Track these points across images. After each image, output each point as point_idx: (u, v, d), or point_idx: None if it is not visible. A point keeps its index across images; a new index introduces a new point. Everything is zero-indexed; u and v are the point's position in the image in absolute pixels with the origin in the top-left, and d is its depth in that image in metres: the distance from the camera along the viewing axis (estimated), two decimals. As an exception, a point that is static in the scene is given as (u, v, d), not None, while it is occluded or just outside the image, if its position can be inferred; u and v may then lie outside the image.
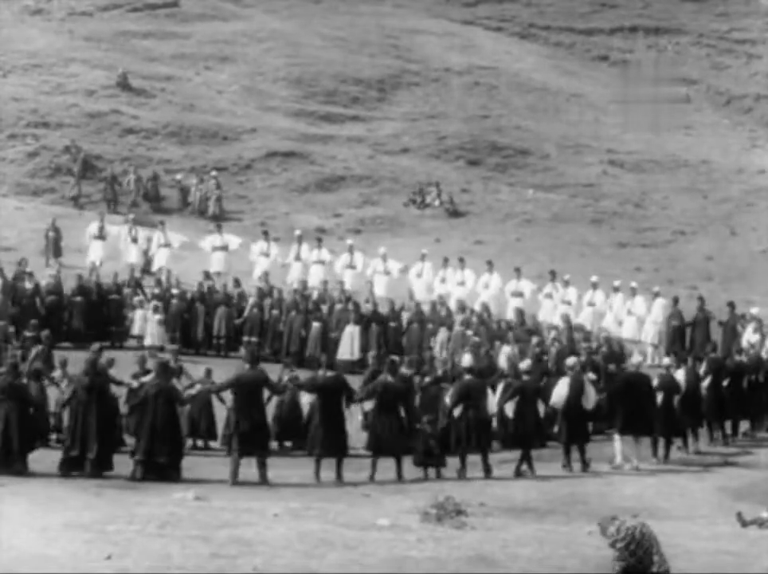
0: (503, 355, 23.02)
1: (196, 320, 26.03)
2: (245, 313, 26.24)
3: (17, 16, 49.89)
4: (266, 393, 18.41)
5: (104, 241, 29.18)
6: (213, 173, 39.03)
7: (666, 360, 21.13)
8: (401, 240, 34.85)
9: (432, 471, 18.24)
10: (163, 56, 48.06)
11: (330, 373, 18.38)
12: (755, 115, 53.01)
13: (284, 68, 48.67)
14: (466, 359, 19.25)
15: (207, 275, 27.31)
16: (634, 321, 27.35)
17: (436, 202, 40.71)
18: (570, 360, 19.65)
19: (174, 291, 26.20)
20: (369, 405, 18.33)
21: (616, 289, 28.02)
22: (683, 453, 19.87)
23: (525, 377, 19.11)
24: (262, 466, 17.15)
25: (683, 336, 26.88)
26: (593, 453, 19.22)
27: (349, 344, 25.27)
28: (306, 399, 19.33)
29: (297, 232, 30.62)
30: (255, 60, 48.99)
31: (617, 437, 19.26)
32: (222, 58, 48.72)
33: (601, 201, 42.82)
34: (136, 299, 26.02)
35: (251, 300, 26.39)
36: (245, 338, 25.95)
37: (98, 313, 25.78)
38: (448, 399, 18.75)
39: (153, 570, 11.41)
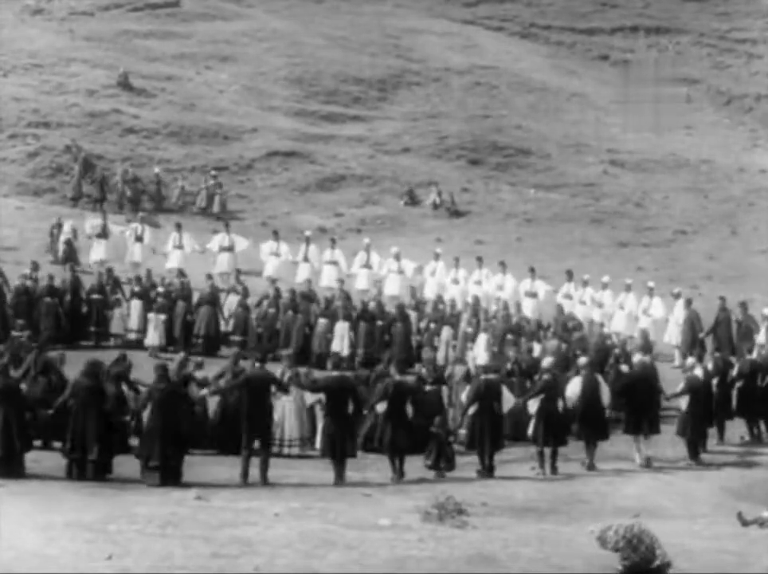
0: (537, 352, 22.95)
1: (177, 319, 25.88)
2: (231, 311, 26.17)
3: (18, 16, 49.90)
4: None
5: (106, 239, 29.11)
6: (213, 172, 39.12)
7: (690, 360, 21.09)
8: (402, 239, 34.81)
9: (441, 474, 18.18)
10: (164, 55, 48.09)
11: (335, 373, 18.28)
12: (756, 114, 53.00)
13: (285, 67, 48.70)
14: (481, 358, 19.28)
15: (182, 273, 27.16)
16: (650, 322, 27.06)
17: (437, 201, 40.70)
18: (582, 360, 19.72)
19: (160, 289, 26.08)
20: (381, 407, 18.30)
21: (628, 287, 27.81)
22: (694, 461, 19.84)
23: (546, 375, 19.09)
24: (264, 466, 17.13)
25: (701, 339, 26.70)
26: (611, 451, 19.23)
27: (339, 341, 25.34)
28: (310, 400, 19.22)
29: (307, 233, 30.60)
30: (256, 59, 49.02)
31: (631, 437, 19.33)
32: (223, 58, 48.75)
33: (601, 200, 42.82)
34: (114, 298, 25.85)
35: (236, 299, 26.29)
36: (231, 337, 25.88)
37: (75, 313, 25.59)
38: (464, 398, 18.78)
39: (154, 570, 11.41)
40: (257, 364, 17.95)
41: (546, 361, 19.60)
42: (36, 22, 49.53)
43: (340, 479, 17.34)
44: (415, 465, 18.21)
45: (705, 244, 39.06)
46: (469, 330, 25.24)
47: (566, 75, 54.32)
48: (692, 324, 26.62)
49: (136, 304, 25.67)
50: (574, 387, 19.02)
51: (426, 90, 49.83)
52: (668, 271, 35.41)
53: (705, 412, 20.21)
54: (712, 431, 21.01)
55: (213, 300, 26.09)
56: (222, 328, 26.10)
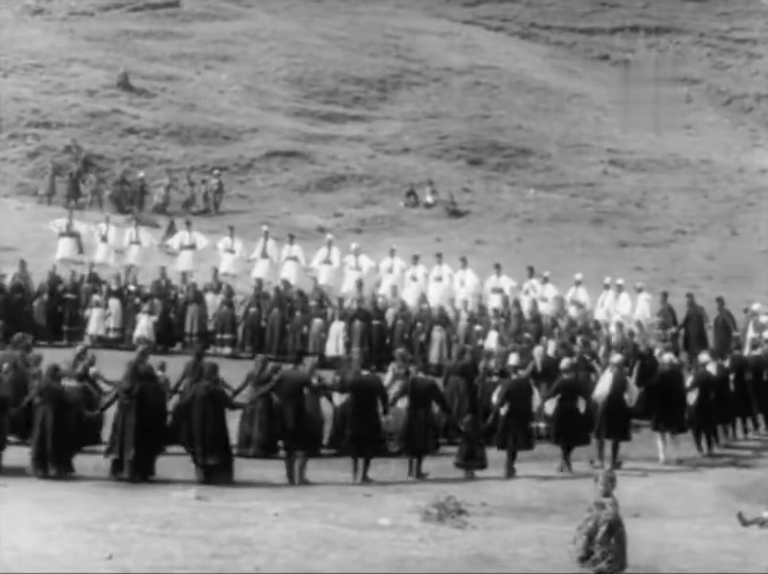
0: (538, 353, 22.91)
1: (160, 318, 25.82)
2: (215, 310, 26.10)
3: (18, 16, 49.98)
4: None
5: (72, 238, 28.96)
6: (216, 172, 39.27)
7: (703, 357, 21.18)
8: (401, 239, 34.83)
9: (471, 472, 18.18)
10: (164, 55, 48.11)
11: (364, 372, 18.31)
12: (756, 114, 53.03)
13: (285, 67, 48.73)
14: (513, 358, 19.34)
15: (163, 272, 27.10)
16: (618, 319, 27.12)
17: (429, 199, 40.73)
18: (616, 357, 19.75)
19: (132, 287, 25.99)
20: (403, 404, 18.32)
21: (606, 286, 27.86)
22: (701, 453, 19.95)
23: (565, 375, 19.12)
24: (301, 464, 17.16)
25: (673, 333, 26.76)
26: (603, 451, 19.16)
27: (335, 341, 25.31)
28: (337, 400, 19.12)
29: (264, 227, 30.26)
30: (256, 59, 49.04)
31: (657, 435, 19.41)
32: (223, 58, 48.77)
33: (601, 200, 42.84)
34: (95, 298, 25.69)
35: (220, 297, 26.26)
36: (218, 336, 25.85)
37: (51, 313, 25.40)
38: (495, 397, 18.83)
39: (154, 570, 11.42)
40: (291, 365, 17.99)
41: (565, 362, 19.65)
42: (36, 22, 49.58)
43: (365, 479, 17.36)
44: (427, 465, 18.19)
45: (705, 244, 39.06)
46: (478, 328, 25.27)
47: (566, 75, 54.34)
48: (665, 317, 26.69)
49: (114, 304, 25.61)
50: (603, 384, 19.02)
51: (426, 90, 49.86)
52: (668, 271, 35.40)
53: (717, 408, 20.33)
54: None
55: (199, 298, 26.05)
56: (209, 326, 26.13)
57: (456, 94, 49.85)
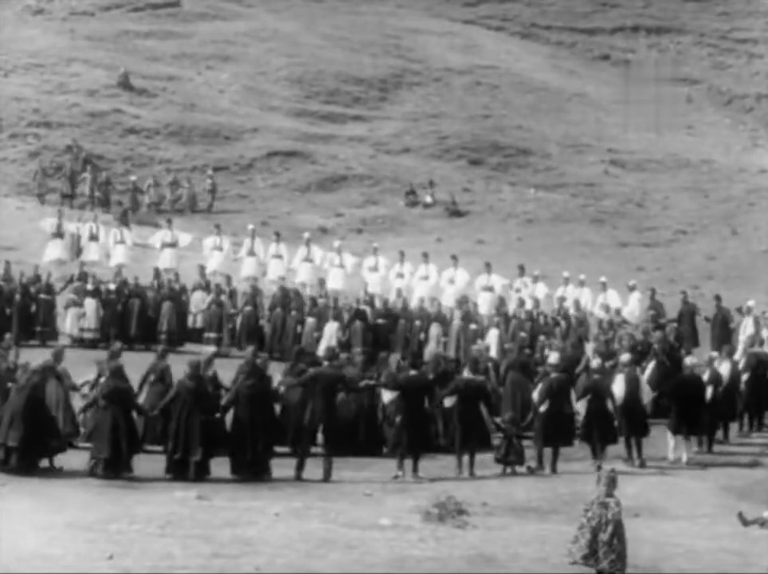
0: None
1: (130, 315, 25.68)
2: (203, 307, 26.04)
3: (19, 16, 50.01)
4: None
5: (62, 239, 28.85)
6: (210, 172, 39.30)
7: (713, 354, 21.23)
8: (402, 239, 34.85)
9: (511, 469, 18.32)
10: (165, 55, 48.14)
11: (413, 371, 18.40)
12: (756, 114, 53.06)
13: (286, 67, 48.74)
14: (553, 357, 19.41)
15: (125, 271, 26.97)
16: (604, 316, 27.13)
17: (428, 199, 40.74)
18: (625, 357, 19.84)
19: (112, 286, 25.90)
20: (449, 401, 18.39)
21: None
22: (702, 449, 20.04)
23: (595, 376, 19.21)
24: (328, 463, 17.19)
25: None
26: (614, 450, 19.16)
27: (328, 341, 25.26)
28: (387, 398, 19.15)
29: (250, 226, 30.14)
30: (256, 59, 49.06)
31: (670, 435, 19.47)
32: (224, 58, 48.79)
33: (602, 200, 42.85)
34: (69, 297, 25.39)
35: (210, 296, 26.21)
36: (205, 335, 25.81)
37: (25, 313, 25.18)
38: (535, 395, 18.95)
39: (154, 570, 11.41)
40: (326, 362, 18.04)
41: (595, 362, 19.72)
42: (37, 22, 49.61)
43: (415, 474, 17.43)
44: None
45: (705, 244, 39.07)
46: (473, 327, 25.22)
47: (567, 75, 54.35)
48: (655, 315, 26.69)
49: (90, 303, 25.41)
50: (617, 386, 19.09)
51: (427, 90, 49.88)
52: (668, 271, 35.42)
53: (724, 405, 20.37)
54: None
55: (175, 296, 25.98)
56: (190, 324, 26.04)
57: (456, 94, 49.86)
